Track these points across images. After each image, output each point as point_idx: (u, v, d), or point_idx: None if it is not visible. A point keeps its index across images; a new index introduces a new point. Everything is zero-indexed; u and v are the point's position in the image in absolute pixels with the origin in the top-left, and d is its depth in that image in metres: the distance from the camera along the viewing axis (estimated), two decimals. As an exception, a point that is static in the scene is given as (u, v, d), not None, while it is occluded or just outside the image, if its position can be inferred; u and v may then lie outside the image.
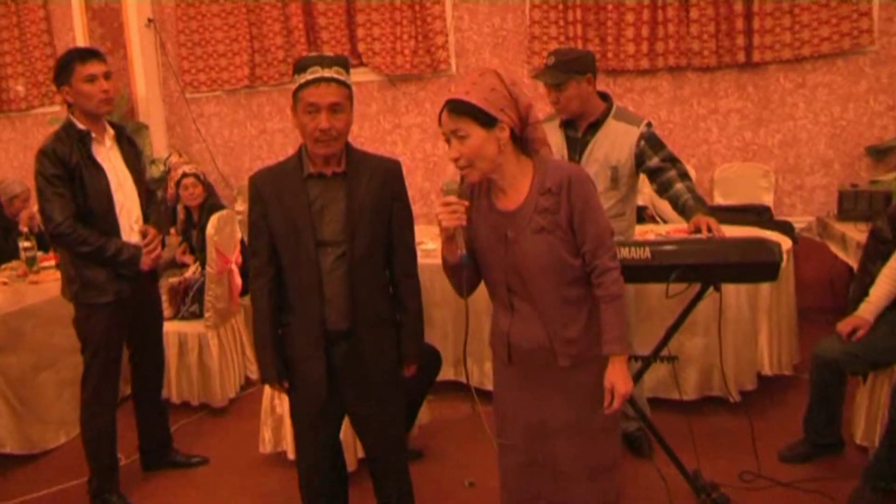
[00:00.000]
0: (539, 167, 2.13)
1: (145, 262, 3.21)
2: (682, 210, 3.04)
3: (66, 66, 3.12)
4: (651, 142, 3.13)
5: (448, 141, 2.09)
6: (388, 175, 2.47)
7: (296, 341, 2.46)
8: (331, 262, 2.36)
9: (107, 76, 3.16)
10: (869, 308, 3.15)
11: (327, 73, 2.27)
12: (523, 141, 2.14)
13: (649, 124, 3.18)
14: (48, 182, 3.05)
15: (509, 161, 2.11)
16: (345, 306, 2.39)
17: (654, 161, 3.12)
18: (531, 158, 2.15)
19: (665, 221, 5.08)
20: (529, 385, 2.24)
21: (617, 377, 2.12)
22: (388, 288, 2.53)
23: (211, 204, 4.76)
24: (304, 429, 2.57)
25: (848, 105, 5.39)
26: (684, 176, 3.13)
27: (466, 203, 2.13)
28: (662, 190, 3.14)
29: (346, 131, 2.36)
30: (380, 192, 2.42)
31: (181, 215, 4.99)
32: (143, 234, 3.25)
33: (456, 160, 2.08)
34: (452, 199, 2.10)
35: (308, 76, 2.27)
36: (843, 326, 3.17)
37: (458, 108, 2.05)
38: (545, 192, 2.09)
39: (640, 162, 3.15)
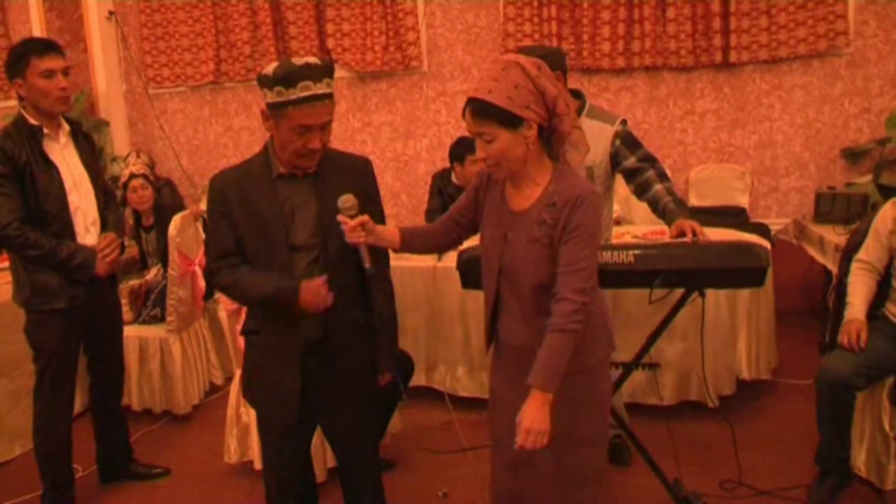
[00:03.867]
0: (555, 178, 2.05)
1: (100, 268, 3.06)
2: (663, 214, 2.94)
3: (21, 58, 2.95)
4: (627, 141, 3.04)
5: (475, 139, 2.03)
6: (360, 175, 2.38)
7: (265, 350, 2.34)
8: (302, 267, 2.25)
9: (65, 72, 3.00)
10: (857, 309, 3.07)
11: (320, 88, 2.11)
12: (550, 132, 2.04)
13: (624, 122, 3.08)
14: None
15: (532, 162, 2.04)
16: (319, 315, 2.26)
17: (631, 161, 3.03)
18: (553, 164, 2.07)
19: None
20: (516, 383, 2.13)
21: (527, 412, 1.94)
22: (360, 293, 2.40)
23: (163, 205, 4.57)
24: (272, 441, 2.43)
25: (823, 107, 5.37)
26: (663, 176, 3.04)
27: (363, 219, 2.16)
28: (641, 192, 3.05)
29: (328, 141, 2.26)
30: (351, 192, 2.27)
31: (129, 220, 4.59)
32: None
33: (484, 160, 2.02)
34: (344, 219, 2.15)
35: (300, 93, 2.09)
36: (847, 337, 3.00)
37: (481, 109, 1.95)
38: (551, 204, 2.01)
39: (615, 162, 3.06)
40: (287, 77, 2.09)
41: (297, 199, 2.24)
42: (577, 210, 1.97)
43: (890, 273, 3.13)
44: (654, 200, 2.98)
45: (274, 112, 2.15)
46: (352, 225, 2.16)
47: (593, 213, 2.01)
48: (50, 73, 2.95)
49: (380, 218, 2.40)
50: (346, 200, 2.15)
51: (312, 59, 2.13)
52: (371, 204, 2.34)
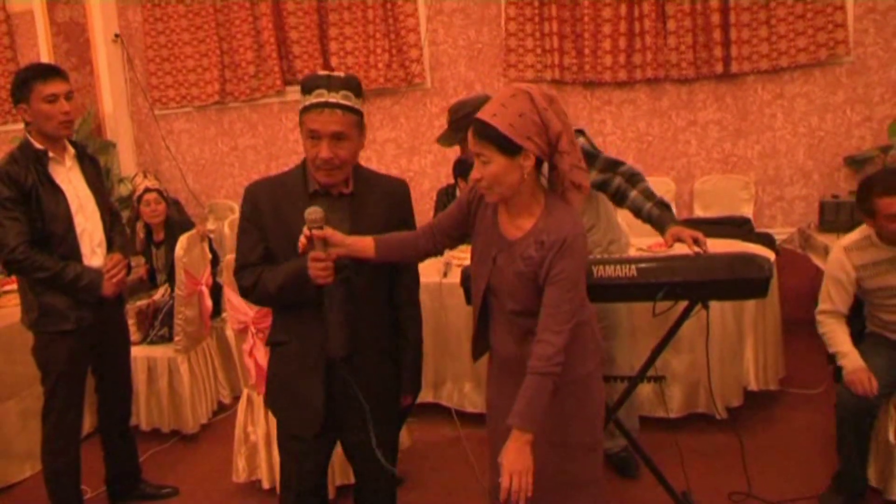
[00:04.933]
0: (545, 214, 2.06)
1: (107, 288, 3.07)
2: (650, 221, 2.89)
3: (25, 83, 2.98)
4: (584, 154, 3.00)
5: (475, 159, 2.05)
6: (396, 197, 2.39)
7: (292, 361, 2.33)
8: (333, 286, 2.21)
9: (68, 96, 3.02)
10: (853, 357, 3.03)
11: (333, 97, 2.14)
12: (550, 168, 2.06)
13: (580, 132, 3.01)
14: (1, 206, 2.91)
15: (525, 192, 2.05)
16: (344, 333, 2.27)
17: (593, 175, 2.96)
18: (546, 198, 2.08)
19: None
20: (510, 389, 2.15)
21: (508, 453, 1.95)
22: (389, 315, 2.41)
23: (173, 221, 4.61)
24: (292, 456, 2.42)
25: (825, 115, 5.37)
26: (633, 178, 2.95)
27: (327, 233, 2.10)
28: (618, 202, 3.00)
29: (351, 160, 2.24)
30: (387, 215, 2.32)
31: (140, 234, 4.68)
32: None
33: (478, 181, 2.04)
34: (320, 255, 2.09)
35: (312, 99, 2.14)
36: (861, 387, 2.93)
37: (482, 131, 1.98)
38: (539, 242, 2.03)
39: None
40: (306, 84, 2.18)
41: (332, 218, 2.19)
42: (562, 255, 1.99)
43: (860, 302, 3.18)
44: (636, 209, 2.92)
45: (300, 121, 2.21)
46: (302, 241, 2.10)
47: (578, 257, 2.02)
48: (53, 98, 2.97)
49: None
50: (313, 213, 2.09)
51: (341, 74, 2.21)
52: (405, 227, 2.36)
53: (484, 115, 1.98)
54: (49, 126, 2.99)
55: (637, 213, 2.91)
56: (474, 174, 2.04)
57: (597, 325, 2.27)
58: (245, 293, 2.36)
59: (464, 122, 3.03)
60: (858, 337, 3.19)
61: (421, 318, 2.50)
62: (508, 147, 1.96)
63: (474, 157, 2.04)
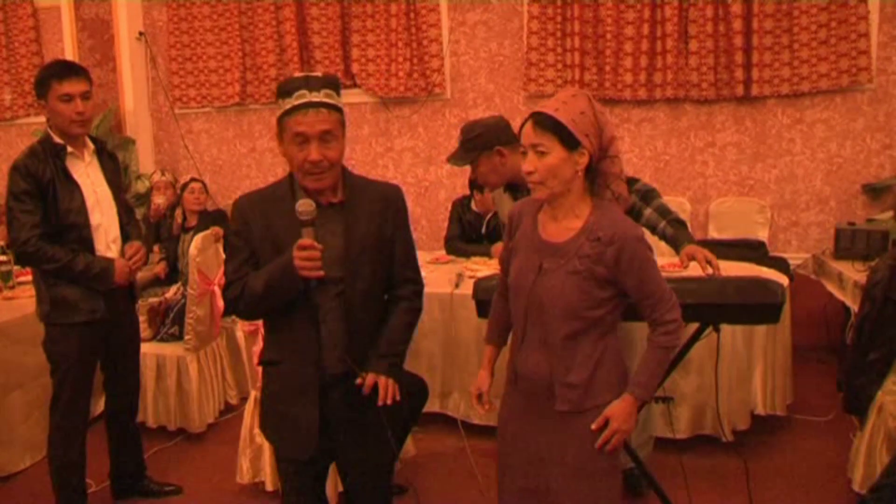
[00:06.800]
0: (596, 211, 2.09)
1: (120, 275, 3.08)
2: (664, 239, 2.87)
3: (44, 81, 3.02)
4: None
5: (524, 153, 2.06)
6: (390, 204, 2.28)
7: (285, 383, 2.24)
8: (327, 300, 2.15)
9: (84, 96, 3.03)
10: None
11: (315, 97, 2.08)
12: (596, 173, 2.09)
13: None
14: (16, 199, 2.95)
15: (575, 190, 2.07)
16: (341, 349, 2.18)
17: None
18: (593, 199, 2.11)
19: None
20: (531, 415, 2.18)
21: (617, 411, 2.08)
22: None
23: (207, 212, 4.99)
24: (288, 476, 2.35)
25: (845, 142, 5.36)
26: (647, 196, 2.93)
27: (321, 247, 2.06)
28: (634, 220, 2.98)
29: (339, 161, 2.17)
30: (381, 223, 2.23)
31: (178, 220, 5.08)
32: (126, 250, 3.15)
33: (530, 174, 2.04)
34: (309, 242, 2.04)
35: (294, 101, 2.08)
36: None
37: (544, 122, 2.01)
38: (594, 239, 2.04)
39: None
40: (284, 88, 2.11)
41: (323, 230, 2.12)
42: (626, 250, 2.02)
43: None
44: (651, 227, 2.89)
45: (280, 128, 2.13)
46: (319, 253, 2.07)
47: (643, 246, 2.06)
48: (68, 97, 2.99)
49: (408, 247, 2.34)
50: (304, 204, 2.05)
51: (319, 73, 2.15)
52: (400, 235, 2.30)
53: (546, 108, 2.03)
54: (62, 124, 3.02)
55: (652, 231, 2.89)
56: (527, 167, 2.04)
57: (623, 353, 2.24)
58: (232, 306, 2.23)
59: (476, 142, 3.05)
60: None
61: (416, 313, 2.40)
62: (569, 140, 2.00)
63: (528, 150, 2.05)
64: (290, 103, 2.09)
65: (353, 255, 2.17)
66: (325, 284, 2.13)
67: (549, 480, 2.16)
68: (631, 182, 2.95)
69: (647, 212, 2.90)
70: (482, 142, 3.05)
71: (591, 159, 2.04)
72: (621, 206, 2.14)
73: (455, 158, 3.15)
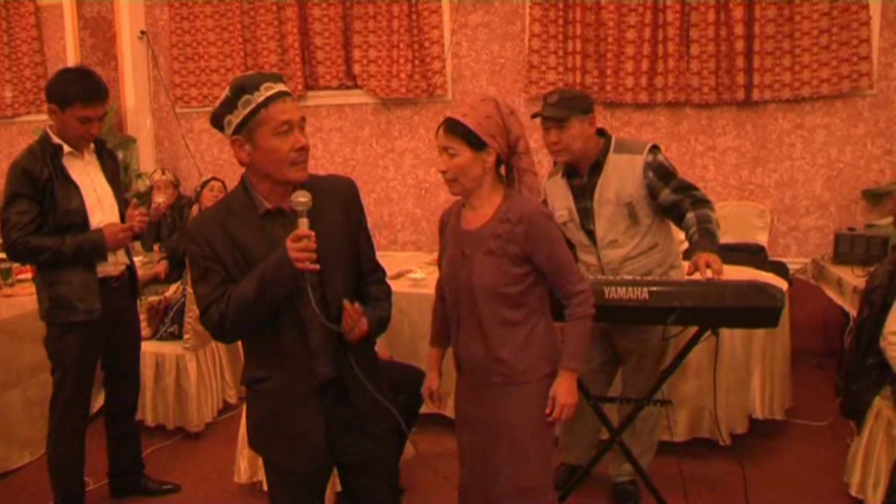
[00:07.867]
0: (507, 198, 2.30)
1: (113, 239, 3.06)
2: (689, 243, 2.87)
3: (67, 98, 2.96)
4: (659, 172, 2.95)
5: (441, 153, 2.27)
6: (348, 198, 2.22)
7: (279, 397, 2.15)
8: (308, 308, 2.02)
9: (101, 118, 3.04)
10: None
11: (280, 87, 2.02)
12: (509, 168, 2.33)
13: (654, 149, 2.99)
14: (10, 199, 2.97)
15: (486, 184, 2.28)
16: (331, 353, 2.13)
17: (666, 194, 2.94)
18: (504, 188, 2.32)
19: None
20: (474, 395, 2.39)
21: (561, 389, 2.31)
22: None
23: None
24: (288, 487, 2.24)
25: (845, 148, 5.36)
26: (698, 203, 2.92)
27: (313, 234, 1.97)
28: (678, 223, 2.98)
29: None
30: (344, 219, 2.17)
31: (194, 215, 5.05)
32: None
33: (443, 172, 2.27)
34: (305, 231, 1.96)
35: (265, 93, 1.99)
36: None
37: (453, 127, 2.23)
38: (505, 220, 2.25)
39: (653, 196, 2.97)
40: (248, 83, 2.03)
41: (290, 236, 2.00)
42: (533, 225, 2.22)
43: None
44: (686, 230, 2.90)
45: (247, 129, 2.02)
46: (314, 244, 1.99)
47: (548, 222, 2.29)
48: (87, 120, 2.98)
49: (369, 237, 2.30)
50: (302, 195, 1.99)
51: (265, 72, 2.18)
52: (360, 226, 2.25)
53: (456, 114, 2.24)
54: (72, 138, 3.04)
55: (686, 234, 2.92)
56: (441, 166, 2.27)
57: (553, 325, 2.40)
58: (216, 329, 2.09)
59: (576, 103, 2.97)
60: None
61: (391, 303, 2.33)
62: (475, 141, 2.21)
63: (442, 153, 2.26)
64: (261, 95, 2.00)
65: (328, 259, 2.05)
66: (302, 292, 2.03)
67: (484, 459, 2.36)
68: (689, 188, 2.97)
69: (689, 216, 2.91)
70: (582, 104, 2.97)
71: (500, 157, 2.27)
72: (535, 197, 2.34)
73: (548, 111, 2.98)
